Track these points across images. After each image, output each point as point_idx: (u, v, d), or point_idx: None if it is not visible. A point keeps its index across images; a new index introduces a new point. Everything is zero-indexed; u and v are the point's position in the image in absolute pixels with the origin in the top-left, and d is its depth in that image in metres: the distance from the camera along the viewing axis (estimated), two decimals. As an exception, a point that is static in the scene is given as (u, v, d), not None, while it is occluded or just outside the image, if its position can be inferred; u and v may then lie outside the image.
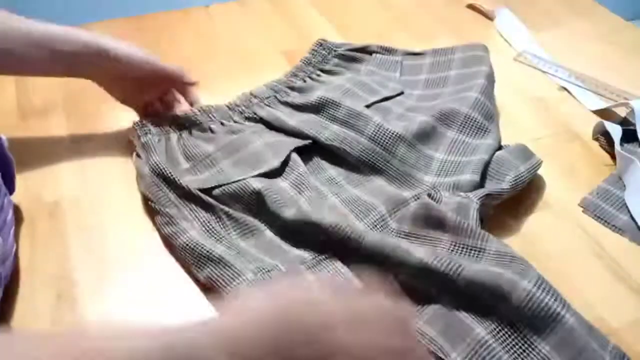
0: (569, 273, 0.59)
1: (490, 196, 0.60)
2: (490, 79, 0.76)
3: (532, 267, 0.52)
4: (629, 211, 0.65)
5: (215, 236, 0.58)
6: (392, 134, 0.66)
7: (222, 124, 0.70)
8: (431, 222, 0.57)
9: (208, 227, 0.58)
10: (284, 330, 0.33)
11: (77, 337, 0.34)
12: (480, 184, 0.64)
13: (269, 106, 0.72)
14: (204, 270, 0.55)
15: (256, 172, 0.63)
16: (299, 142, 0.67)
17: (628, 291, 0.58)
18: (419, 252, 0.53)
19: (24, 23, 0.63)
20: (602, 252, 0.62)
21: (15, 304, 0.53)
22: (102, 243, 0.60)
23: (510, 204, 0.65)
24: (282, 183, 0.62)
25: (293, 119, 0.69)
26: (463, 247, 0.54)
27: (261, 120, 0.71)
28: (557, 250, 0.61)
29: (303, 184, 0.62)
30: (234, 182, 0.62)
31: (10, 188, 0.59)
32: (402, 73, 0.80)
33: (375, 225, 0.60)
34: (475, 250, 0.54)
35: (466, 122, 0.69)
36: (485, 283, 0.50)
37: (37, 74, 0.71)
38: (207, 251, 0.55)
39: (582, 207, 0.66)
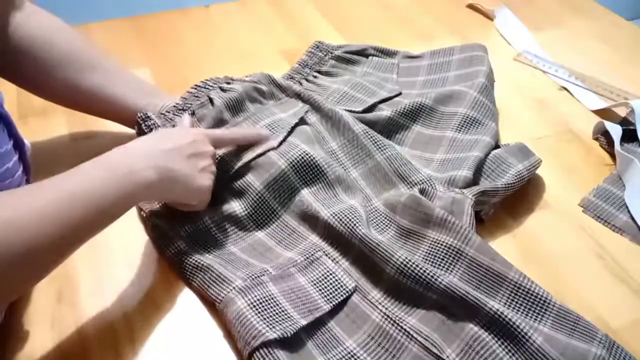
0: (569, 273, 0.59)
1: (485, 193, 0.61)
2: (490, 78, 0.76)
3: (504, 284, 0.52)
4: (629, 211, 0.65)
5: (204, 247, 0.58)
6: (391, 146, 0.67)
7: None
8: (418, 217, 0.57)
9: (196, 238, 0.58)
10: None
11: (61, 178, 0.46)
12: (477, 181, 0.64)
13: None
14: (194, 280, 0.55)
15: (254, 154, 0.62)
16: (297, 117, 0.66)
17: (628, 291, 0.58)
18: (399, 255, 0.53)
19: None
20: (602, 252, 0.62)
21: (16, 304, 0.54)
22: (103, 243, 0.60)
23: (510, 204, 0.65)
24: (279, 162, 0.61)
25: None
26: (442, 247, 0.54)
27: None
28: (557, 250, 0.61)
29: (303, 162, 0.62)
30: (235, 172, 0.62)
31: None
32: (399, 75, 0.80)
33: (364, 207, 0.60)
34: (452, 253, 0.54)
35: (464, 122, 0.69)
36: (455, 298, 0.51)
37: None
38: (196, 261, 0.55)
39: (582, 207, 0.66)
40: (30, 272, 0.43)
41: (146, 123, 0.64)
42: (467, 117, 0.69)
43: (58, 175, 0.46)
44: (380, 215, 0.61)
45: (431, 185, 0.61)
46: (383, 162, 0.65)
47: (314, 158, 0.62)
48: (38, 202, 0.43)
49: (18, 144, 0.56)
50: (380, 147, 0.65)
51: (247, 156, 0.62)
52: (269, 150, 0.62)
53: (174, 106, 0.66)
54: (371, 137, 0.66)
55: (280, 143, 0.63)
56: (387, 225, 0.60)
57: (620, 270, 0.60)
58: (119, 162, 0.49)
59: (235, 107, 0.66)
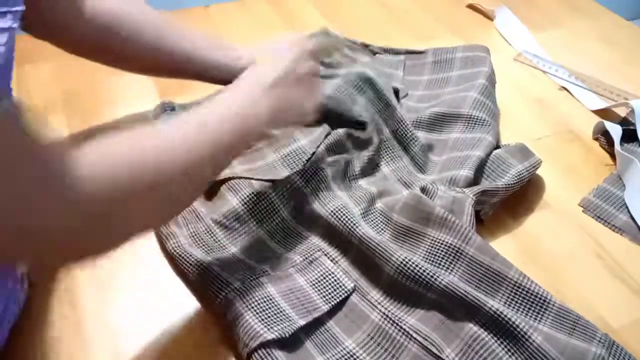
0: (569, 273, 0.59)
1: (486, 193, 0.61)
2: (491, 79, 0.76)
3: (504, 283, 0.52)
4: (629, 211, 0.65)
5: (204, 247, 0.58)
6: (410, 134, 0.67)
7: None
8: (418, 215, 0.57)
9: (197, 237, 0.58)
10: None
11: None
12: (478, 181, 0.64)
13: None
14: (193, 279, 0.55)
15: (265, 178, 0.63)
16: (313, 148, 0.66)
17: (628, 291, 0.58)
18: (398, 254, 0.53)
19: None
20: (602, 252, 0.62)
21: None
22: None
23: (510, 204, 0.65)
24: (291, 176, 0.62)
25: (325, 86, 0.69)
26: (442, 246, 0.54)
27: None
28: (557, 250, 0.61)
29: (312, 175, 0.62)
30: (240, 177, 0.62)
31: None
32: (405, 73, 0.80)
33: (362, 204, 0.60)
34: (452, 252, 0.54)
35: (468, 122, 0.69)
36: (454, 297, 0.51)
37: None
38: (195, 260, 0.55)
39: (582, 207, 0.66)
40: (186, 188, 0.46)
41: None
42: (470, 117, 0.69)
43: (201, 107, 0.50)
44: (380, 215, 0.61)
45: (432, 184, 0.61)
46: (389, 174, 0.66)
47: (324, 172, 0.62)
48: (185, 132, 0.46)
49: None
50: (387, 161, 0.67)
51: (255, 174, 0.63)
52: (274, 180, 0.62)
53: None
54: (384, 149, 0.68)
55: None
56: (386, 225, 0.59)
57: (620, 270, 0.60)
58: (247, 104, 0.52)
59: None
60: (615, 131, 0.73)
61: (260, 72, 0.56)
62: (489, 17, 1.00)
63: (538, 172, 0.67)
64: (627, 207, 0.66)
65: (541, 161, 0.66)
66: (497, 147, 0.69)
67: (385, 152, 0.68)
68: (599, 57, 0.91)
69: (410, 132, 0.68)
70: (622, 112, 0.80)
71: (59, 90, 0.79)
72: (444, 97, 0.74)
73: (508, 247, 0.61)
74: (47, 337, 0.52)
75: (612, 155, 0.73)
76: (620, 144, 0.72)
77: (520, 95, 0.83)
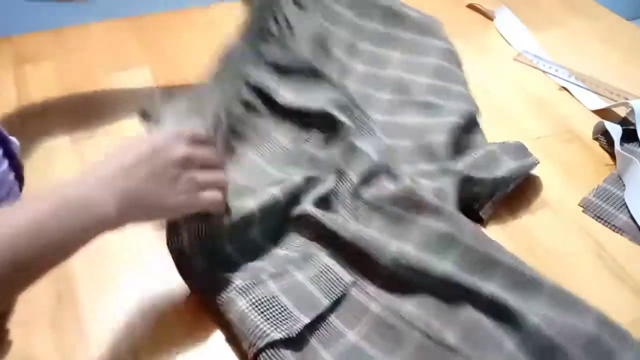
0: (569, 273, 0.59)
1: (471, 181, 0.61)
2: (446, 55, 0.77)
3: (499, 267, 0.52)
4: (629, 211, 0.65)
5: (204, 247, 0.57)
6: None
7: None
8: (409, 204, 0.57)
9: (196, 237, 0.58)
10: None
11: None
12: (470, 176, 0.63)
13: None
14: (194, 279, 0.55)
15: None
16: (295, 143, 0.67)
17: (628, 291, 0.58)
18: (392, 246, 0.54)
19: None
20: (603, 252, 0.62)
21: (16, 305, 0.54)
22: (102, 242, 0.60)
23: (510, 204, 0.65)
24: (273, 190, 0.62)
25: (286, 93, 0.69)
26: (435, 234, 0.55)
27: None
28: (557, 250, 0.62)
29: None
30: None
31: (20, 190, 0.59)
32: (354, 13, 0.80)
33: (347, 194, 0.60)
34: (445, 239, 0.54)
35: (429, 89, 0.72)
36: (451, 284, 0.51)
37: None
38: (196, 260, 0.55)
39: (582, 207, 0.66)
40: None
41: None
42: (426, 103, 0.71)
43: (11, 206, 0.43)
44: (369, 208, 0.60)
45: (411, 179, 0.61)
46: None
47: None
48: None
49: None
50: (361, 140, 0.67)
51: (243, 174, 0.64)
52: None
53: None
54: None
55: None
56: (377, 217, 0.59)
57: (620, 270, 0.60)
58: (73, 194, 0.44)
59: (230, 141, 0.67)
60: (615, 131, 0.73)
61: (100, 165, 0.48)
62: (489, 17, 1.00)
63: (538, 172, 0.67)
64: (627, 207, 0.66)
65: (537, 162, 0.66)
66: (494, 144, 0.69)
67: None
68: (599, 57, 0.91)
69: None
70: (622, 112, 0.80)
71: (59, 90, 0.79)
72: (391, 71, 0.75)
73: (508, 247, 0.60)
74: (47, 336, 0.52)
75: (612, 155, 0.73)
76: (620, 144, 0.72)
77: (520, 95, 0.83)
